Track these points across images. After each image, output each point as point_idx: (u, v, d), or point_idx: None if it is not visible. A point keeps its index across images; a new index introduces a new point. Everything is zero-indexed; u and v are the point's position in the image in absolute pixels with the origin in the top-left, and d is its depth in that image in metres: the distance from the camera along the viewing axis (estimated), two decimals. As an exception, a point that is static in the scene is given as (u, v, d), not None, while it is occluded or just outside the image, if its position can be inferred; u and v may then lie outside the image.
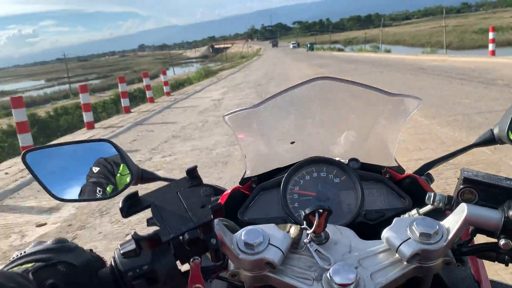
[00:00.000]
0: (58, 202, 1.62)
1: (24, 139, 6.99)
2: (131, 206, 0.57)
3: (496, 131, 0.94)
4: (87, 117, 10.22)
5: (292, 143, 1.03)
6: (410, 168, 1.05)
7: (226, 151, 6.28)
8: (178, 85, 25.55)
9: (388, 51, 42.89)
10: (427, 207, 0.73)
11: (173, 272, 0.56)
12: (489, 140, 0.95)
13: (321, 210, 0.61)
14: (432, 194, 0.70)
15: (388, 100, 0.95)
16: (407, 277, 0.60)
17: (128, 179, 0.89)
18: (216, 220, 0.58)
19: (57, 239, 0.57)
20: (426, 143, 5.53)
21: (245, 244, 0.59)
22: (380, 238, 0.62)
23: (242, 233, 0.61)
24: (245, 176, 0.99)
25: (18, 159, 7.29)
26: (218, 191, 1.01)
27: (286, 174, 0.94)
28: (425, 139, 5.71)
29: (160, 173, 1.14)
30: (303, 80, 0.94)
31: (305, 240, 0.62)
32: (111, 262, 0.56)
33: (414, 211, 0.76)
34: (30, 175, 0.85)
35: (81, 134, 9.74)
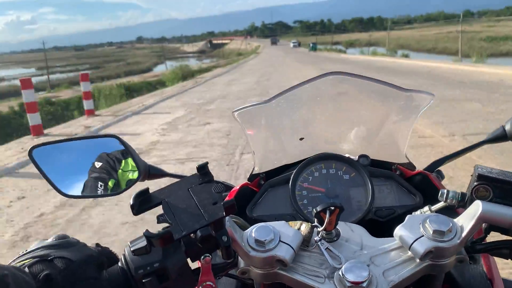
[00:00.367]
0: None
1: None
2: (142, 203, 0.56)
3: (508, 127, 0.94)
4: (32, 120, 7.95)
5: (301, 139, 1.03)
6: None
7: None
8: (138, 88, 22.67)
9: (406, 56, 38.87)
10: (440, 204, 0.73)
11: (184, 269, 0.56)
12: (501, 136, 0.96)
13: (332, 208, 0.60)
14: (445, 191, 0.70)
15: (400, 95, 0.94)
16: (420, 275, 0.60)
17: (131, 174, 0.89)
18: (226, 217, 0.57)
19: (58, 235, 0.57)
20: None
21: (255, 241, 0.59)
22: (390, 235, 0.62)
23: (253, 230, 0.60)
24: (254, 173, 0.99)
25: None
26: (226, 187, 0.98)
27: (295, 170, 0.93)
28: None
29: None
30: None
31: (316, 238, 0.62)
32: (121, 259, 0.56)
33: (426, 208, 0.76)
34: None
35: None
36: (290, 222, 0.64)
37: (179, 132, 7.48)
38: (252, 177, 0.99)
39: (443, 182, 1.00)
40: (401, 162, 0.99)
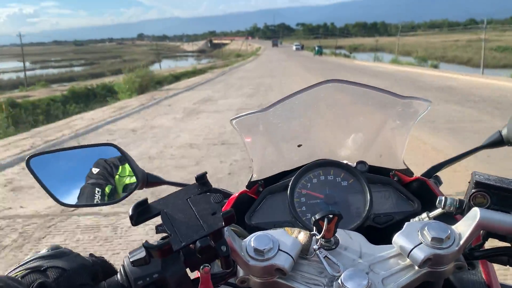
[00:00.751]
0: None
1: None
2: (141, 214, 0.57)
3: (504, 132, 0.95)
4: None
5: (299, 146, 1.04)
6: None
7: None
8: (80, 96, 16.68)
9: (435, 67, 31.53)
10: (438, 211, 0.74)
11: (183, 279, 0.56)
12: (498, 141, 0.97)
13: (331, 216, 0.61)
14: (443, 198, 0.71)
15: (397, 102, 0.95)
16: (419, 282, 0.61)
17: (128, 180, 0.90)
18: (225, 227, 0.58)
19: (51, 246, 0.58)
20: None
21: (254, 250, 0.59)
22: (389, 242, 0.63)
23: (252, 239, 0.61)
24: (252, 180, 1.00)
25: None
26: (225, 195, 1.00)
27: (293, 177, 0.94)
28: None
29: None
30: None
31: (314, 246, 0.62)
32: (120, 269, 0.57)
33: (424, 215, 0.76)
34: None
35: None
36: (288, 230, 0.65)
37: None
38: (251, 184, 1.00)
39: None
40: (399, 168, 1.00)
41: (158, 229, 0.55)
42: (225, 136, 7.45)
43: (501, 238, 0.63)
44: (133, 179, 0.90)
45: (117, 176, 0.90)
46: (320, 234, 0.61)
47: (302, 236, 0.63)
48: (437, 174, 1.05)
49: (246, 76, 21.44)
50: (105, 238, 3.75)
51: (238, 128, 0.97)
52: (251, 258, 0.59)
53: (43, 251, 0.57)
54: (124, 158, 0.90)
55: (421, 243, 0.58)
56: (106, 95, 18.78)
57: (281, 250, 0.59)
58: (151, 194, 3.84)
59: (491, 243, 0.66)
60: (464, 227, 0.60)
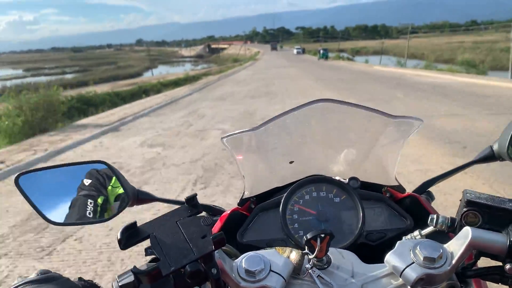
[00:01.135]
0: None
1: None
2: (129, 237, 0.56)
3: (495, 147, 0.95)
4: None
5: (291, 162, 1.04)
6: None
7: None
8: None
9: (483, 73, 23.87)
10: (430, 229, 0.74)
11: None
12: (489, 156, 0.97)
13: (322, 235, 0.61)
14: (435, 216, 0.71)
15: (389, 121, 0.96)
16: None
17: (121, 190, 0.89)
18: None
19: (40, 270, 0.58)
20: None
21: (246, 271, 0.59)
22: (381, 259, 0.63)
23: (243, 260, 0.60)
24: (244, 197, 1.00)
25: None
26: (216, 211, 1.01)
27: (285, 194, 0.94)
28: None
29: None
30: None
31: (307, 266, 0.63)
32: None
33: (416, 233, 0.77)
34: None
35: None
36: (280, 250, 0.64)
37: None
38: (243, 202, 1.00)
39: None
40: (391, 184, 1.00)
41: (148, 252, 0.55)
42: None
43: (493, 257, 0.63)
44: (125, 199, 0.89)
45: (109, 187, 0.89)
46: (313, 253, 0.61)
47: (294, 255, 0.63)
48: (429, 189, 1.06)
49: (235, 92, 14.92)
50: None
51: (229, 146, 0.98)
52: (242, 279, 0.58)
53: (32, 275, 0.56)
54: (114, 174, 0.89)
55: (413, 262, 0.59)
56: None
57: (272, 271, 0.59)
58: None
59: (485, 261, 0.66)
60: (456, 246, 0.61)
